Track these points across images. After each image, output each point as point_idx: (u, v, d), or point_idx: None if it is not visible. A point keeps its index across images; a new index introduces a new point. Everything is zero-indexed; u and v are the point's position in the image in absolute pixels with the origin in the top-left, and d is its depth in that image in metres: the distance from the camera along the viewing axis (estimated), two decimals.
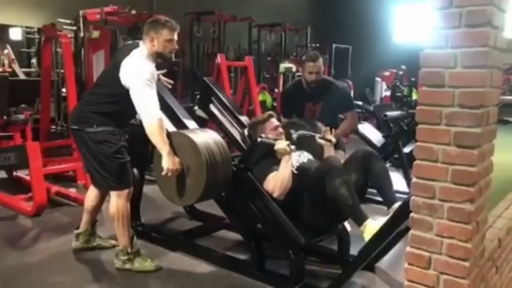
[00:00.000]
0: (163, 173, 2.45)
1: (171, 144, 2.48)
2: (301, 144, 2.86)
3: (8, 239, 3.23)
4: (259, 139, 2.63)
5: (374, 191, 2.70)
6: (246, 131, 3.01)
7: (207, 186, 2.41)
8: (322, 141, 2.88)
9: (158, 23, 2.60)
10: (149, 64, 2.59)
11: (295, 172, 2.64)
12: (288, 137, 2.80)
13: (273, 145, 2.60)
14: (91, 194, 2.92)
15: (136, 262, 2.72)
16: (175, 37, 2.64)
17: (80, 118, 2.68)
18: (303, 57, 3.50)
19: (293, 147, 2.62)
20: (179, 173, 2.48)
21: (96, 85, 2.89)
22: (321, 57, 3.41)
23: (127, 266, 2.72)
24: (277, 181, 2.55)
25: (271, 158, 2.65)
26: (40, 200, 3.66)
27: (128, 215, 2.73)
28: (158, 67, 2.77)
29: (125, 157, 2.69)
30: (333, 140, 2.90)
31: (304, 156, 2.82)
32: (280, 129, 2.86)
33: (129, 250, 2.72)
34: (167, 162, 2.43)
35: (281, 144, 2.59)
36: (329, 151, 2.90)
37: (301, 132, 2.89)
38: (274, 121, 2.89)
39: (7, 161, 3.95)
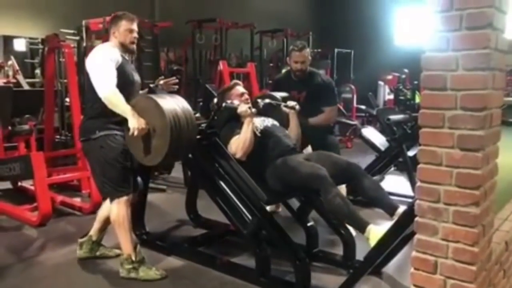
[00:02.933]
0: (129, 133, 2.54)
1: (140, 108, 2.59)
2: (268, 112, 3.04)
3: (13, 250, 3.24)
4: (223, 104, 2.81)
5: None
6: (215, 100, 3.14)
7: (171, 147, 2.53)
8: (286, 109, 3.06)
9: (116, 17, 2.81)
10: (109, 49, 2.73)
11: (259, 135, 2.81)
12: (255, 106, 2.92)
13: (236, 108, 2.78)
14: (107, 204, 2.92)
15: (141, 271, 2.72)
16: (134, 27, 2.82)
17: (84, 129, 2.78)
18: (290, 47, 3.59)
19: (254, 110, 2.79)
20: (146, 135, 2.59)
21: (85, 96, 3.00)
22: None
23: (132, 275, 2.71)
24: (239, 143, 2.73)
25: (236, 123, 2.83)
26: (45, 210, 3.66)
27: (129, 222, 2.74)
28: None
29: (126, 162, 2.72)
30: (297, 107, 3.05)
31: (268, 121, 2.97)
32: (246, 96, 3.00)
33: (133, 258, 2.72)
34: (132, 122, 2.52)
35: (243, 107, 2.78)
36: (293, 119, 3.07)
37: (267, 100, 3.04)
38: (239, 88, 3.04)
39: (12, 171, 3.95)
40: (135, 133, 2.53)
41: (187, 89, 8.40)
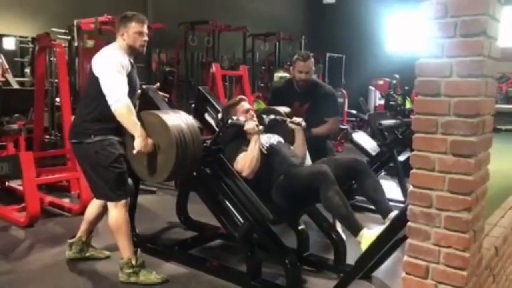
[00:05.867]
0: (134, 152, 2.49)
1: (142, 124, 2.52)
2: (273, 128, 2.97)
3: (0, 250, 3.19)
4: (229, 121, 2.73)
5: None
6: (219, 115, 3.08)
7: (176, 164, 2.48)
8: (292, 125, 2.98)
9: (126, 18, 2.67)
10: (119, 54, 2.62)
11: (265, 152, 2.74)
12: (260, 121, 2.87)
13: (242, 125, 2.71)
14: (94, 205, 2.90)
15: (142, 275, 2.67)
16: (145, 29, 2.69)
17: (77, 131, 2.68)
18: (294, 56, 3.52)
19: (261, 127, 2.73)
20: (151, 152, 2.53)
21: (82, 97, 2.92)
22: (316, 66, 3.44)
23: (133, 279, 2.66)
24: (246, 161, 2.65)
25: (242, 140, 2.76)
26: (33, 211, 3.62)
27: (128, 226, 2.71)
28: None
29: (122, 167, 2.66)
30: (303, 124, 2.97)
31: (274, 138, 2.91)
32: (252, 112, 2.94)
33: (133, 263, 2.67)
34: (139, 144, 2.46)
35: (250, 124, 2.70)
36: (299, 135, 2.99)
37: (272, 116, 2.98)
38: (245, 104, 2.97)
39: (0, 171, 3.90)
40: (139, 155, 2.48)
41: (179, 91, 8.37)
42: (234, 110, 2.93)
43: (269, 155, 2.74)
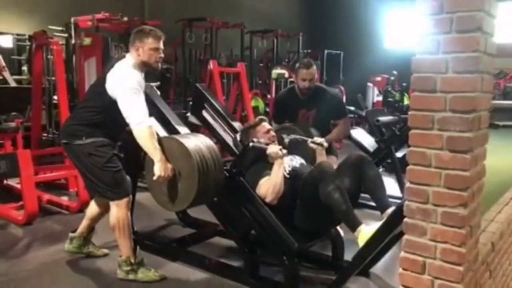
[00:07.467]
0: (154, 178, 2.43)
1: (162, 150, 2.47)
2: (293, 148, 2.86)
3: None
4: (251, 144, 2.61)
5: (367, 196, 2.71)
6: (238, 136, 3.00)
7: (199, 190, 2.40)
8: (313, 146, 2.86)
9: (142, 33, 2.61)
10: (135, 72, 2.58)
11: (287, 176, 2.64)
12: (280, 142, 2.80)
13: (265, 149, 2.61)
14: (95, 203, 2.90)
15: (140, 273, 2.67)
16: (161, 45, 2.64)
17: (69, 131, 2.67)
18: (297, 64, 3.49)
19: (285, 151, 2.62)
20: (171, 179, 2.47)
21: (83, 101, 2.89)
22: (314, 64, 3.43)
23: (131, 276, 2.67)
24: (269, 186, 2.55)
25: (263, 163, 2.65)
26: (31, 209, 3.61)
27: (129, 224, 2.70)
28: (149, 78, 2.77)
29: (117, 165, 2.65)
30: (325, 144, 2.89)
31: (296, 161, 2.81)
32: (272, 133, 2.85)
33: (132, 261, 2.68)
34: (159, 169, 2.41)
35: (273, 149, 2.60)
36: (321, 155, 2.88)
37: (293, 136, 2.89)
38: (265, 125, 2.88)
39: None
40: (160, 180, 2.43)
41: (177, 88, 8.36)
42: (254, 131, 2.85)
43: (291, 179, 2.63)
